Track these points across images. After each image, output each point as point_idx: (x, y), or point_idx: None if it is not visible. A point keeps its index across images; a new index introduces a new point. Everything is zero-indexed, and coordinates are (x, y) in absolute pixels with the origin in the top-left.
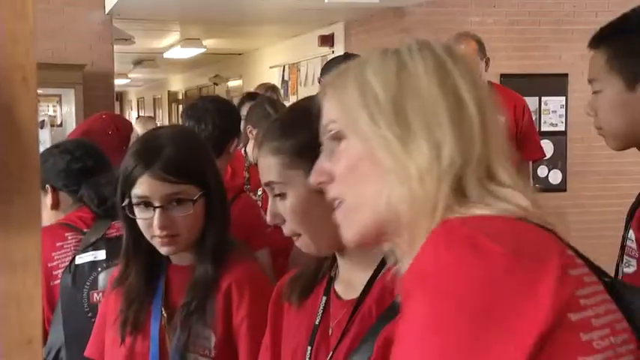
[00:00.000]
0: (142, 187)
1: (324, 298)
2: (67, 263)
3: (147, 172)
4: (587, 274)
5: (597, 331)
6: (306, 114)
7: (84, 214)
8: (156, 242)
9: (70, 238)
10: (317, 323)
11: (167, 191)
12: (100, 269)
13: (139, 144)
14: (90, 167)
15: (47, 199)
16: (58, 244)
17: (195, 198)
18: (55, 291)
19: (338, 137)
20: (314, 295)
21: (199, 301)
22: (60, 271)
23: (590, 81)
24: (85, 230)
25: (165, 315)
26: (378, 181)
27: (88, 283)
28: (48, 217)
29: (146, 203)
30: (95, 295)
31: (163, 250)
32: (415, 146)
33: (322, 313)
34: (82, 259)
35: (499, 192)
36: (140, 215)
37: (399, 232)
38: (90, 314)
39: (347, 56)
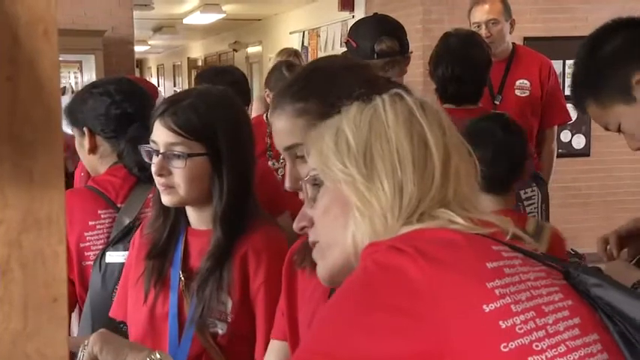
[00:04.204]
0: (154, 132)
1: None
2: (100, 246)
3: (159, 118)
4: (511, 266)
5: (519, 315)
6: (327, 74)
7: (117, 180)
8: (160, 191)
9: (103, 216)
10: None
11: (168, 139)
12: None
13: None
14: (129, 114)
15: (85, 142)
16: (90, 223)
17: (189, 153)
18: (87, 271)
19: (317, 184)
20: None
21: (214, 270)
22: (92, 253)
23: (606, 128)
24: (119, 205)
25: (183, 279)
26: (346, 220)
27: (117, 288)
28: (87, 160)
29: (156, 150)
30: None
31: (163, 200)
32: (379, 185)
33: None
34: (111, 257)
35: (435, 212)
36: (150, 160)
37: None
38: None
39: (377, 17)
